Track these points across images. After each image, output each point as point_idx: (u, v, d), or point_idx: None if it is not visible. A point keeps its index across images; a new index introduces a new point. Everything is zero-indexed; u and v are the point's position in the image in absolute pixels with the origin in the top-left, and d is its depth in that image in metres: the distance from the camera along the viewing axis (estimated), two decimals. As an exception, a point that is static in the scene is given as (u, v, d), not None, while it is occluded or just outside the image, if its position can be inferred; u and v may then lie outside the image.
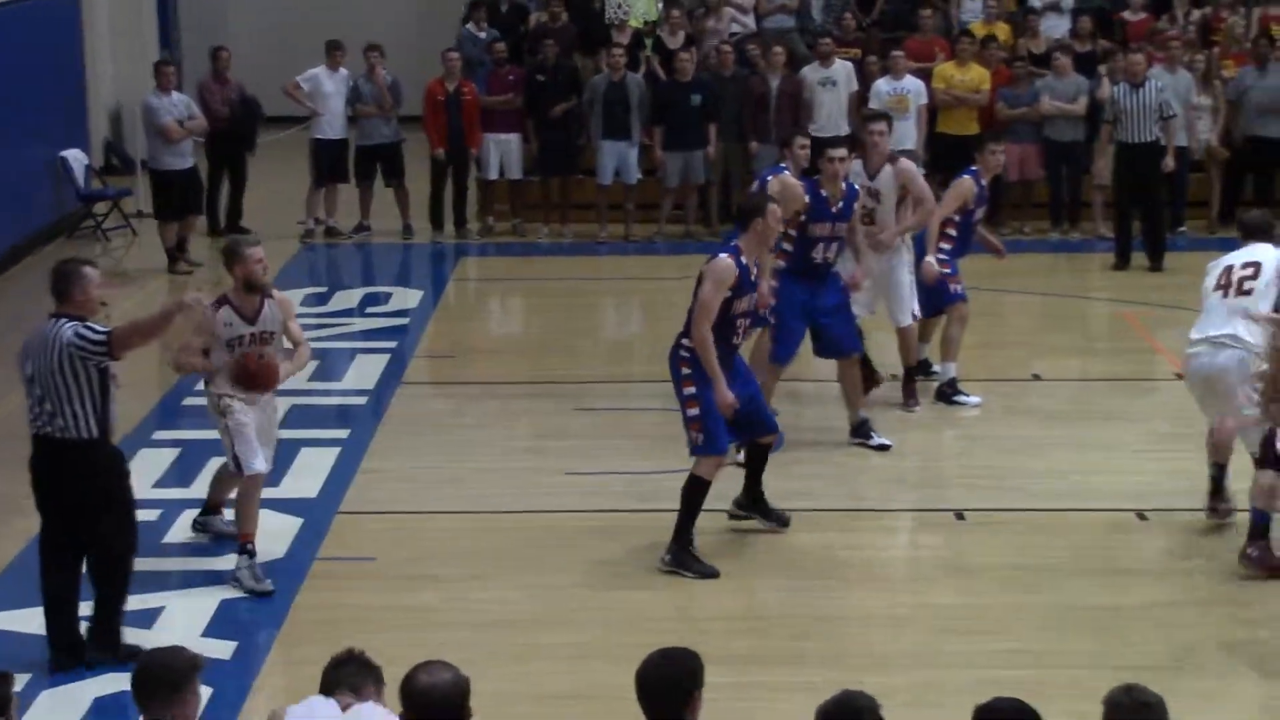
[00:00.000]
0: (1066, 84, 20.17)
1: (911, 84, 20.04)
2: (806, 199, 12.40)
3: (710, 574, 10.36)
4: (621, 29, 21.09)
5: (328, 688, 6.21)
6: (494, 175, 20.92)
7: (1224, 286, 10.93)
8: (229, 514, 10.93)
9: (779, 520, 11.02)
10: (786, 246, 12.51)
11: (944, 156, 19.99)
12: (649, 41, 21.23)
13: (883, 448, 12.62)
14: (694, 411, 10.36)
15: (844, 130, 20.22)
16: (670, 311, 17.94)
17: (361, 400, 14.33)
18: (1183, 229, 20.27)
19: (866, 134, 13.56)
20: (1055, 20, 21.80)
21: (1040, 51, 21.05)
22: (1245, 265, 10.93)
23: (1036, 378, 14.63)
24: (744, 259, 10.33)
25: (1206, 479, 11.18)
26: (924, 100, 20.06)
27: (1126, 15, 21.86)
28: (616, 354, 16.43)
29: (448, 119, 20.35)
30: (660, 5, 21.58)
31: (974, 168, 13.84)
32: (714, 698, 6.08)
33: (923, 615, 9.92)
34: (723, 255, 10.35)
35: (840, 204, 12.51)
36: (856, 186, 12.76)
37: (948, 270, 13.58)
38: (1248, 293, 10.76)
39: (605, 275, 19.57)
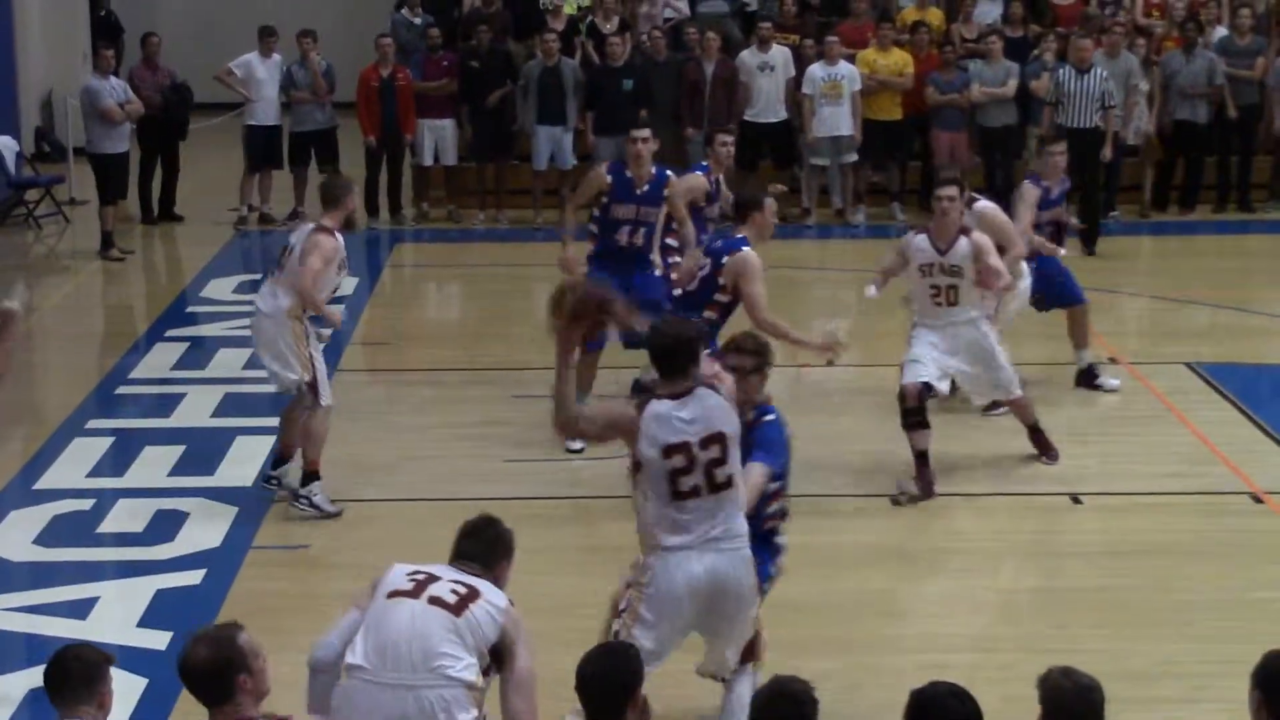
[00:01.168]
0: (997, 69, 20.27)
1: (846, 69, 20.11)
2: (608, 180, 12.48)
3: None
4: (555, 14, 21.08)
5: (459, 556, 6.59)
6: (429, 161, 20.89)
7: None
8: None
9: None
10: (594, 229, 12.64)
11: (869, 141, 20.17)
12: (583, 27, 21.22)
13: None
14: None
15: (782, 115, 20.31)
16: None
17: (297, 388, 14.27)
18: (1115, 214, 20.44)
19: (935, 201, 11.54)
20: (987, 6, 21.91)
21: (973, 37, 21.17)
22: None
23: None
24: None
25: (1141, 461, 11.30)
26: (858, 86, 20.12)
27: (1056, 0, 21.98)
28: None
29: (382, 105, 20.31)
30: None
31: (1033, 173, 13.73)
32: (652, 685, 6.09)
33: (860, 600, 9.95)
34: (745, 249, 10.77)
35: (646, 187, 12.53)
36: (667, 173, 12.70)
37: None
38: None
39: (541, 261, 19.46)
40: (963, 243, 11.26)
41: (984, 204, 12.36)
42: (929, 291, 11.37)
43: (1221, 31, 21.07)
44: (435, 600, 6.23)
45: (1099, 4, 21.56)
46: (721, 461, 7.27)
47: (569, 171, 20.65)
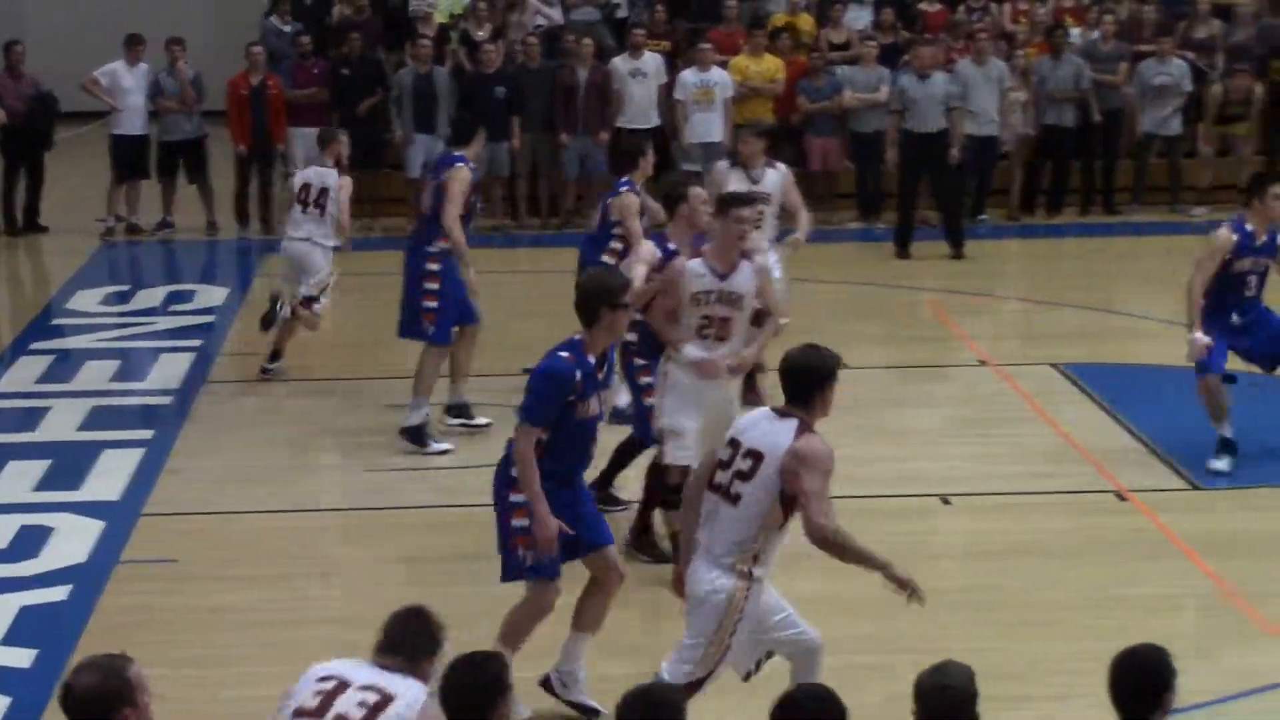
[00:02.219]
0: (868, 75, 20.45)
1: (717, 75, 20.20)
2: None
3: (668, 559, 9.84)
4: (426, 21, 21.02)
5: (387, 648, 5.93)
6: (300, 169, 20.73)
7: None
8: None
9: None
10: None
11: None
12: (454, 34, 21.19)
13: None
14: (652, 400, 10.38)
15: (654, 122, 20.37)
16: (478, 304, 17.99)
17: (166, 400, 14.18)
18: (983, 217, 20.68)
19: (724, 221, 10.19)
20: (857, 12, 22.11)
21: (841, 42, 21.33)
22: None
23: (843, 366, 14.77)
24: (671, 245, 10.40)
25: (1009, 462, 11.44)
26: (730, 93, 20.22)
27: (924, 7, 22.23)
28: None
29: (252, 113, 20.17)
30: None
31: (1239, 216, 12.02)
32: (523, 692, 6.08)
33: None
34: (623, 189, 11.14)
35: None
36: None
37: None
38: None
39: (415, 269, 19.47)
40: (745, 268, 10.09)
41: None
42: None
43: (1092, 35, 21.38)
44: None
45: (966, 11, 21.79)
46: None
47: (442, 179, 20.59)
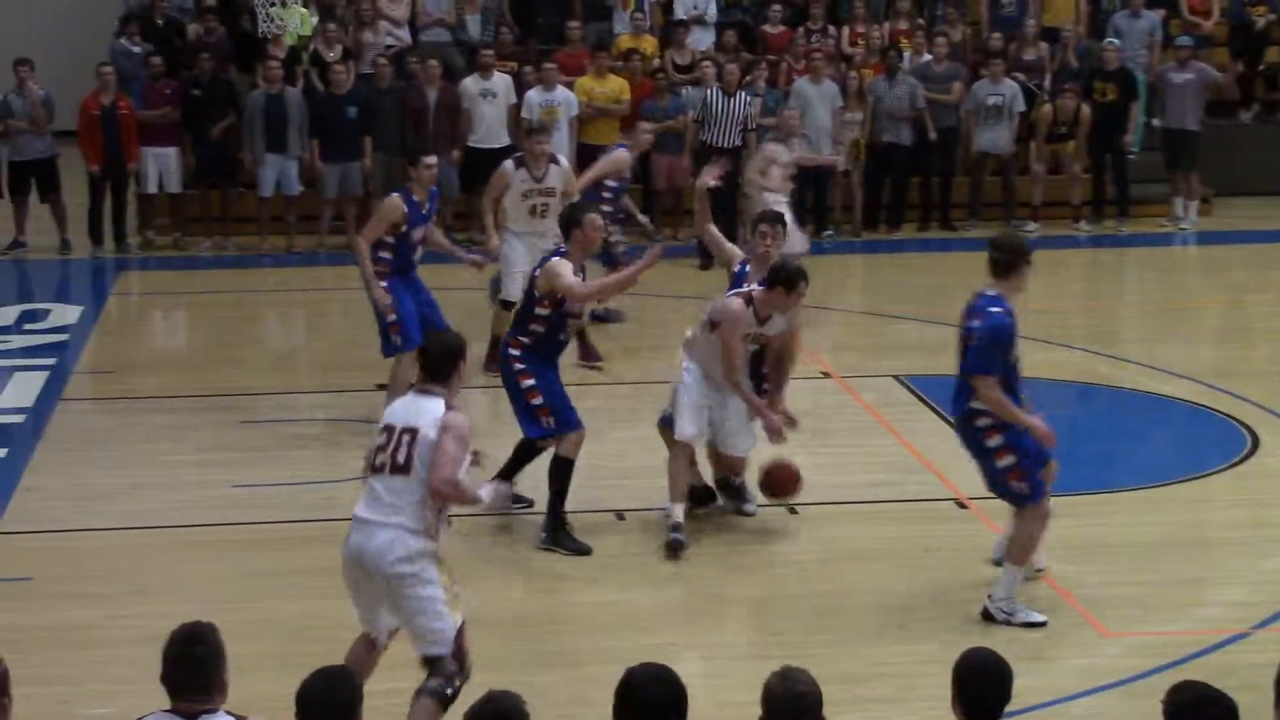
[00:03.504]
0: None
1: (562, 95, 20.47)
2: (405, 210, 13.00)
3: (584, 551, 10.91)
4: (277, 43, 21.11)
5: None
6: (153, 189, 20.80)
7: None
8: None
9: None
10: (386, 255, 13.05)
11: (587, 166, 20.53)
12: (306, 55, 21.29)
13: None
14: (537, 400, 11.02)
15: (505, 140, 20.60)
16: (334, 321, 18.15)
17: (20, 418, 14.16)
18: (829, 232, 21.14)
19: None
20: (700, 33, 22.46)
21: (686, 63, 21.70)
22: None
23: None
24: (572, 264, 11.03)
25: (853, 472, 11.69)
26: (575, 112, 20.50)
27: (766, 29, 22.64)
28: (281, 366, 16.47)
29: (104, 133, 20.17)
30: (315, 20, 21.63)
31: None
32: (378, 705, 6.17)
33: (580, 613, 10.20)
34: (553, 259, 11.09)
35: (428, 206, 13.22)
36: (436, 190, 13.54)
37: None
38: None
39: (269, 287, 19.60)
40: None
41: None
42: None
43: (925, 57, 21.91)
44: None
45: (806, 33, 22.23)
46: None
47: (295, 198, 20.74)
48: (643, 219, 18.21)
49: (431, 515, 7.95)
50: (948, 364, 15.36)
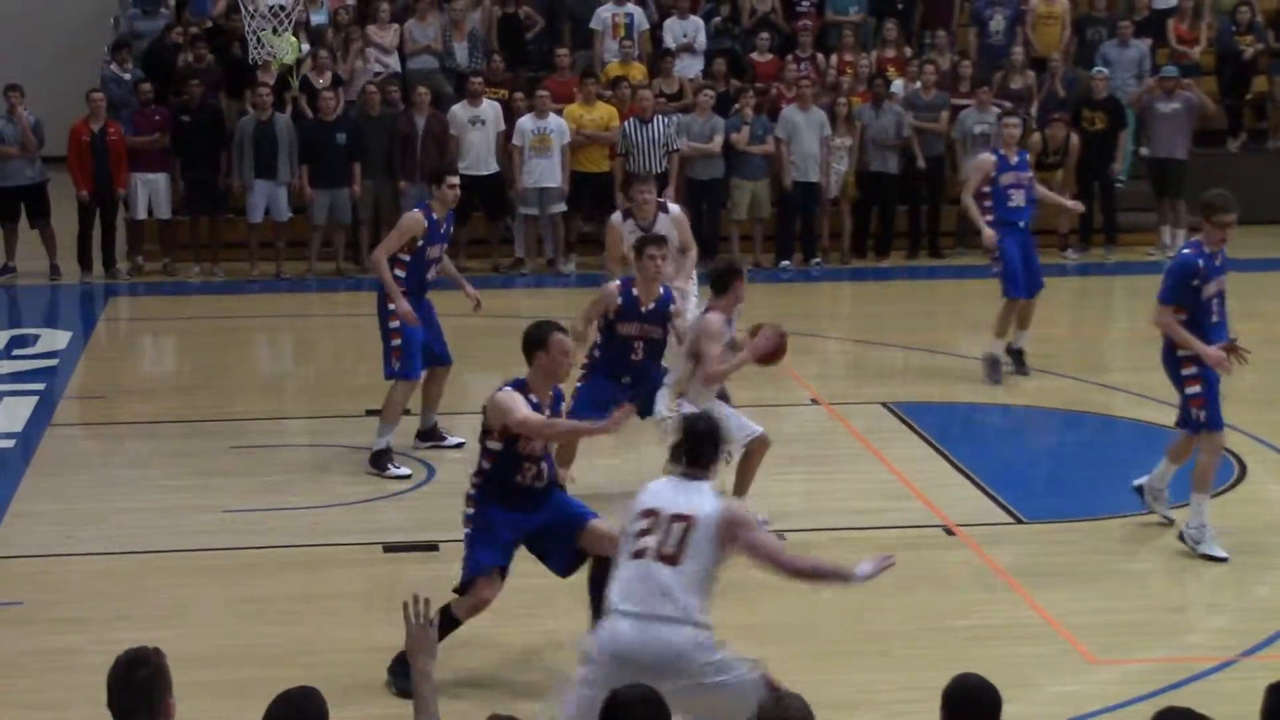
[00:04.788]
0: (704, 124, 20.91)
1: (554, 123, 20.55)
2: (425, 225, 12.92)
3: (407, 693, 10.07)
4: (266, 69, 21.17)
5: None
6: (142, 215, 20.84)
7: None
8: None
9: None
10: (400, 273, 12.98)
11: (580, 193, 20.66)
12: (295, 82, 21.35)
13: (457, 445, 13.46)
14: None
15: (493, 167, 20.67)
16: (322, 347, 18.18)
17: (9, 444, 14.17)
18: (817, 260, 21.21)
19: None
20: (689, 61, 22.53)
21: (674, 91, 21.77)
22: None
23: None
24: (533, 394, 9.32)
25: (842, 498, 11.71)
26: (566, 139, 20.58)
27: (755, 57, 22.72)
28: (270, 391, 16.50)
29: (94, 159, 20.22)
30: (304, 47, 21.69)
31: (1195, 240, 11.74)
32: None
33: (564, 640, 10.13)
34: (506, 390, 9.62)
35: (445, 226, 13.16)
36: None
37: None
38: None
39: (258, 313, 19.61)
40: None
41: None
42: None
43: (914, 86, 21.99)
44: None
45: (794, 61, 22.31)
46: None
47: (284, 224, 20.79)
48: None
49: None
50: (936, 391, 15.72)
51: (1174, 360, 11.09)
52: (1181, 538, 11.19)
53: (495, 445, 9.18)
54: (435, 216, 13.02)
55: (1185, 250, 11.29)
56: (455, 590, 9.33)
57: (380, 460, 13.02)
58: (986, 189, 15.54)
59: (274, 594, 10.78)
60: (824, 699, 8.36)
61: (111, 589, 10.93)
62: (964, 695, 5.84)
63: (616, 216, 13.85)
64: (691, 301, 13.32)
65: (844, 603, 10.59)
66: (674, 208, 13.95)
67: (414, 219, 13.03)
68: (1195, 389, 10.99)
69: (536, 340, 9.34)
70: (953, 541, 11.66)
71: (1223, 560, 11.02)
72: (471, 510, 9.30)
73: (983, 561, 11.22)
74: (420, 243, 12.94)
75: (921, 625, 10.24)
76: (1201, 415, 11.01)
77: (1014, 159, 15.67)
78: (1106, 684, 9.47)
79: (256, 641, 10.02)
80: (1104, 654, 9.81)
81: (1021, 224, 15.64)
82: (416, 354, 13.03)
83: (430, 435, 13.68)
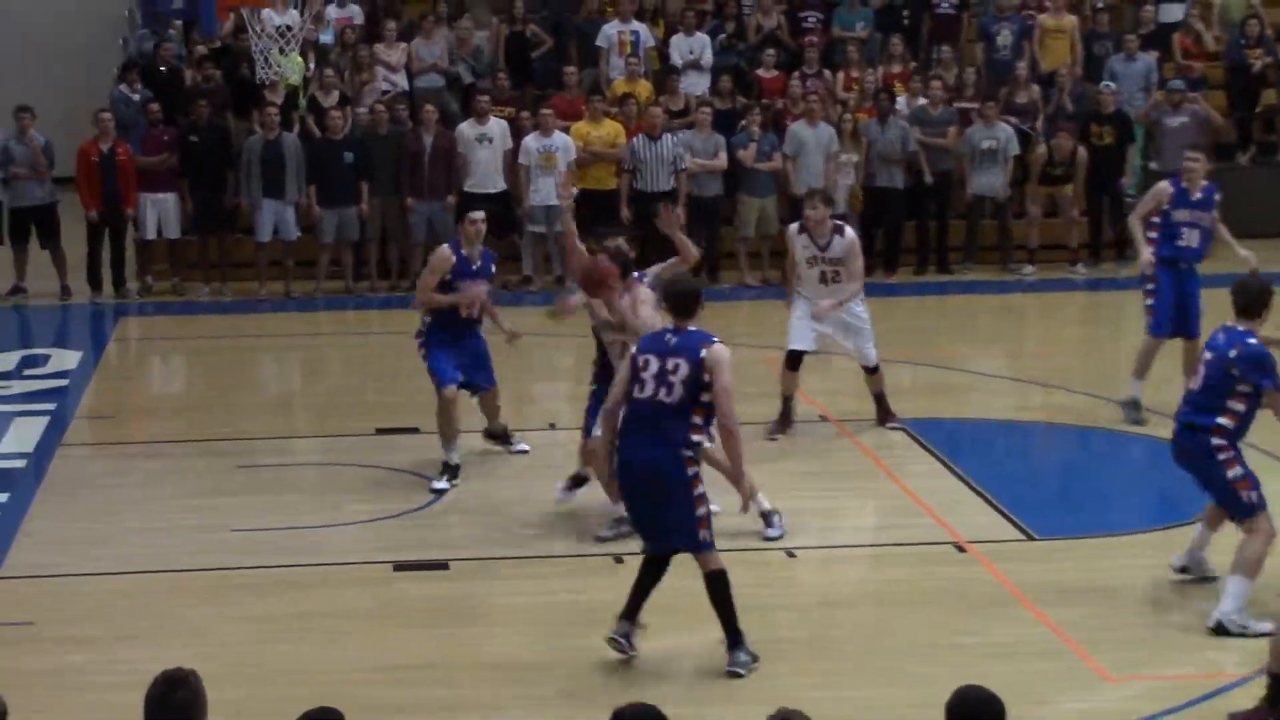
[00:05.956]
0: (706, 141, 20.92)
1: (560, 140, 20.56)
2: (454, 261, 13.08)
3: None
4: (273, 89, 21.19)
5: None
6: (151, 235, 20.87)
7: None
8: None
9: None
10: (427, 316, 13.23)
11: (586, 211, 20.63)
12: (303, 101, 21.37)
13: (522, 451, 13.86)
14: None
15: (500, 185, 20.69)
16: (331, 367, 18.18)
17: (21, 463, 14.18)
18: (826, 276, 21.16)
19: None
20: (695, 78, 22.52)
21: (679, 108, 21.78)
22: None
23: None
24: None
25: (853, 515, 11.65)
26: (572, 156, 20.59)
27: (761, 73, 22.72)
28: (279, 410, 16.49)
29: (103, 179, 20.25)
30: (312, 66, 21.72)
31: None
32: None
33: (580, 657, 10.02)
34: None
35: (479, 263, 13.19)
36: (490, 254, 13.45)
37: None
38: None
39: (266, 333, 19.62)
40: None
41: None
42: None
43: (920, 101, 22.00)
44: None
45: (801, 77, 22.31)
46: None
47: (292, 243, 20.80)
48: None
49: None
50: (945, 407, 15.68)
51: (1207, 444, 10.25)
52: (1221, 628, 10.18)
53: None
54: (464, 253, 13.12)
55: (1251, 340, 10.17)
56: None
57: (444, 471, 13.19)
58: (1156, 219, 14.59)
59: (283, 613, 10.77)
60: (833, 716, 8.47)
61: (121, 608, 10.94)
62: (966, 707, 5.84)
63: (793, 228, 14.35)
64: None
65: (856, 619, 10.64)
66: (849, 232, 14.31)
67: (441, 255, 13.19)
68: (1237, 471, 10.27)
69: None
70: (964, 558, 11.59)
71: (1268, 633, 9.65)
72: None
73: (993, 578, 11.16)
74: (448, 277, 13.05)
75: (935, 642, 10.20)
76: (1253, 496, 10.27)
77: (1196, 195, 14.49)
78: (1121, 700, 9.44)
79: (265, 661, 10.01)
80: (1118, 670, 9.77)
81: (1184, 265, 14.55)
82: (445, 367, 13.09)
83: (498, 436, 13.85)
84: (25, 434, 14.92)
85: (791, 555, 11.72)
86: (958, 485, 13.19)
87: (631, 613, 9.82)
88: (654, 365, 9.51)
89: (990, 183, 21.56)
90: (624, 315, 11.45)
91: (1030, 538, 12.01)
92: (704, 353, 9.46)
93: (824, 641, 10.29)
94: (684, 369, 9.44)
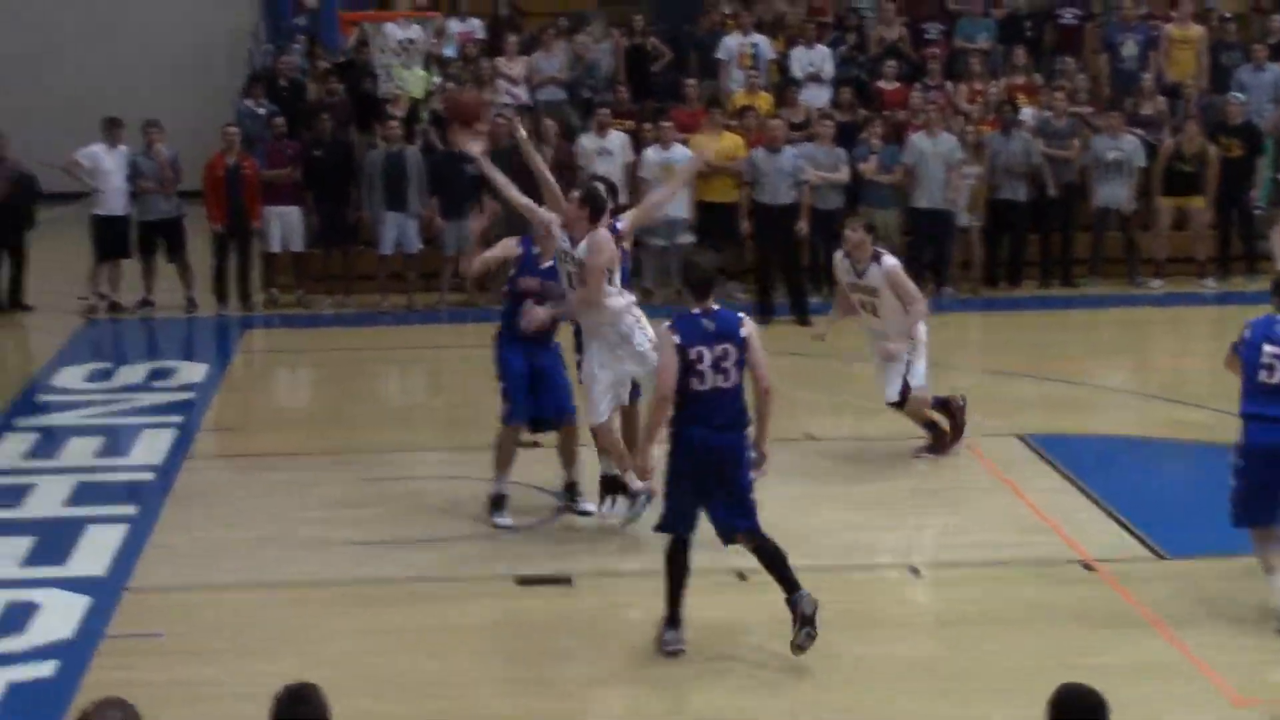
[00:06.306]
0: (828, 153, 20.83)
1: (680, 153, 20.55)
2: (520, 252, 12.60)
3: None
4: (396, 102, 21.34)
5: None
6: (276, 248, 21.07)
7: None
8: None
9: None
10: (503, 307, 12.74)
11: (705, 223, 20.65)
12: (425, 114, 21.51)
13: (585, 513, 12.73)
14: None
15: (620, 199, 20.66)
16: (454, 380, 18.25)
17: (149, 476, 14.29)
18: (948, 289, 21.03)
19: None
20: (816, 90, 22.46)
21: (800, 121, 21.71)
22: None
23: (810, 437, 15.02)
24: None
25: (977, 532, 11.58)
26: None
27: (882, 85, 22.62)
28: (402, 423, 16.56)
29: (228, 193, 20.47)
30: (435, 80, 21.85)
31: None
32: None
33: (693, 672, 10.04)
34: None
35: (549, 263, 12.40)
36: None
37: None
38: None
39: (389, 345, 19.75)
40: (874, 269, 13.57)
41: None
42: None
43: (1045, 112, 21.82)
44: None
45: (923, 89, 22.20)
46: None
47: (415, 256, 20.93)
48: None
49: None
50: (1070, 422, 15.53)
51: None
52: None
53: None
54: (535, 250, 12.52)
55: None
56: None
57: (493, 504, 12.76)
58: None
59: (405, 626, 10.81)
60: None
61: (247, 621, 11.02)
62: (1068, 701, 5.85)
63: (839, 253, 14.16)
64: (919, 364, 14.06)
65: (970, 637, 10.53)
66: (889, 260, 13.83)
67: (507, 242, 12.75)
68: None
69: None
70: (1091, 577, 11.47)
71: None
72: None
73: (1121, 598, 11.03)
74: (512, 271, 12.63)
75: (1060, 662, 9.94)
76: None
77: None
78: (1250, 724, 9.30)
79: (387, 674, 10.05)
80: (1250, 693, 9.62)
81: None
82: (518, 396, 12.54)
83: (566, 492, 12.97)
84: (153, 446, 15.06)
85: (915, 572, 11.64)
86: (1083, 502, 13.06)
87: (677, 620, 10.07)
88: (706, 356, 9.84)
89: (1116, 194, 21.33)
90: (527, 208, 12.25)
91: (1160, 556, 11.87)
92: (744, 331, 9.94)
93: (934, 659, 10.21)
94: (733, 353, 9.90)
